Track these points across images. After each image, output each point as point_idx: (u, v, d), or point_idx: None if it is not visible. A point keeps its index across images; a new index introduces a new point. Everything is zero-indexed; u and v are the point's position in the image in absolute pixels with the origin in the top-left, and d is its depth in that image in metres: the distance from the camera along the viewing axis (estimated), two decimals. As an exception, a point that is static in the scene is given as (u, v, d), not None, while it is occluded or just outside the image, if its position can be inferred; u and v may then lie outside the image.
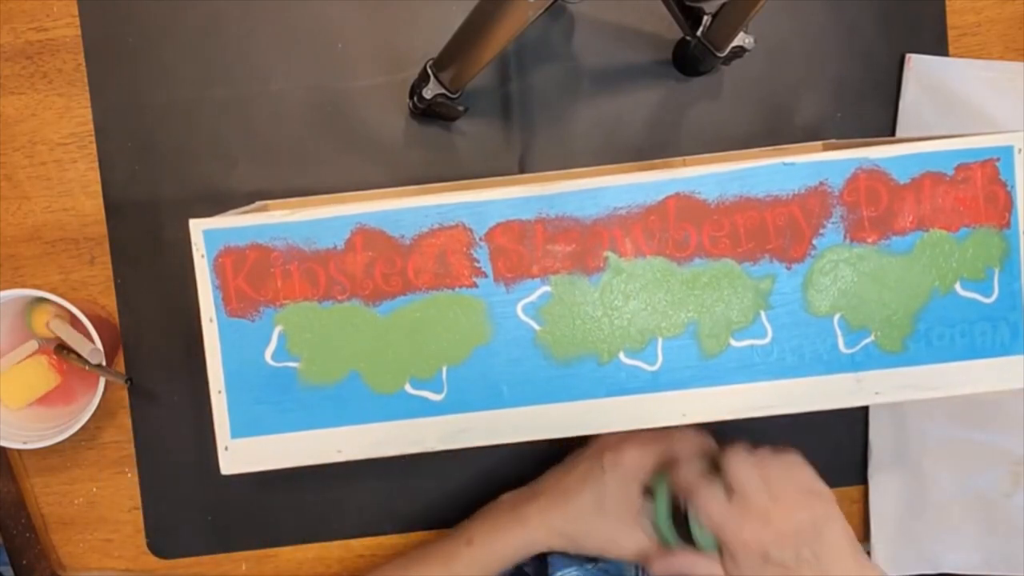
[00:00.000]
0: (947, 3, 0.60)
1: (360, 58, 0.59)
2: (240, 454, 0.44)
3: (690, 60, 0.57)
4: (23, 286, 0.60)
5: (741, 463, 0.46)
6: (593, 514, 0.50)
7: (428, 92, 0.53)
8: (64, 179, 0.59)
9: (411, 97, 0.56)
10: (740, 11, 0.49)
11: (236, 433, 0.44)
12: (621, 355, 0.44)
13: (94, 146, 0.59)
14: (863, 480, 0.61)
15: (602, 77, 0.59)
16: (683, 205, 0.44)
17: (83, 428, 0.55)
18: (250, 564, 0.61)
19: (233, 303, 0.44)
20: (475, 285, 0.44)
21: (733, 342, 0.44)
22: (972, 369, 0.45)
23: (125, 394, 0.60)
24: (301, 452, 0.44)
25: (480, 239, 0.43)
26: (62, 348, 0.56)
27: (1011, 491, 0.60)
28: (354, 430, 0.44)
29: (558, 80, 0.59)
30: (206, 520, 0.60)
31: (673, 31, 0.55)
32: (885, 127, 0.60)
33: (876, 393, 0.45)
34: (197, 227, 0.44)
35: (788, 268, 0.44)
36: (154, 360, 0.59)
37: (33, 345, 0.56)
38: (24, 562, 0.60)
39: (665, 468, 0.50)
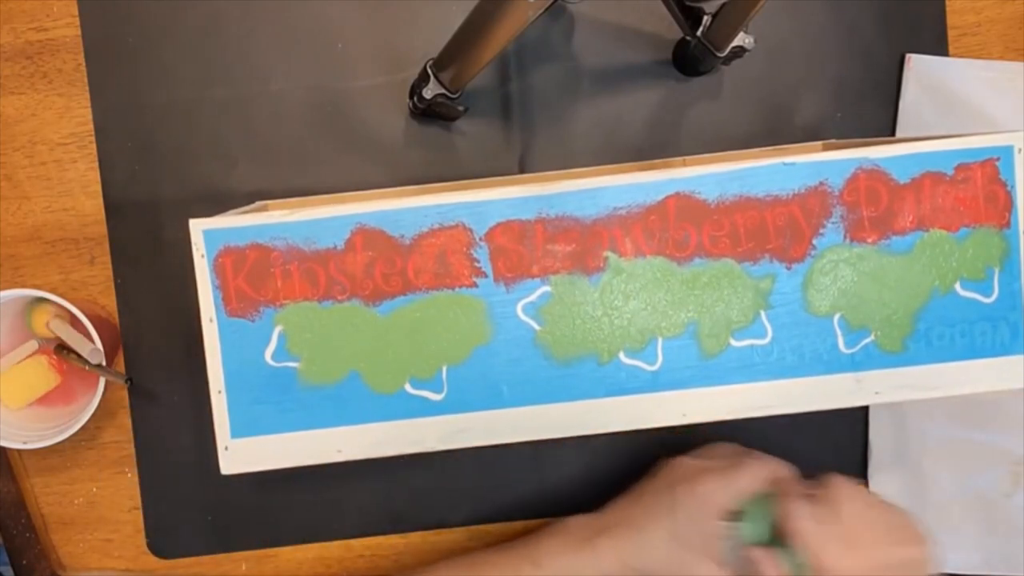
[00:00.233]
0: (947, 3, 0.59)
1: (360, 58, 0.59)
2: (240, 454, 0.44)
3: (690, 60, 0.57)
4: (23, 286, 0.59)
5: (849, 495, 0.47)
6: (666, 547, 0.50)
7: (428, 92, 0.53)
8: (64, 179, 0.59)
9: (411, 97, 0.56)
10: (740, 11, 0.49)
11: (236, 433, 0.44)
12: (621, 355, 0.44)
13: (94, 146, 0.59)
14: (863, 480, 0.61)
15: (602, 77, 0.59)
16: (683, 205, 0.44)
17: (83, 428, 0.55)
18: (250, 564, 0.61)
19: (233, 303, 0.44)
20: (475, 285, 0.44)
21: (733, 342, 0.44)
22: (972, 369, 0.45)
23: (125, 394, 0.60)
24: (301, 452, 0.44)
25: (480, 239, 0.43)
26: (62, 348, 0.56)
27: (1011, 491, 0.60)
28: (354, 430, 0.44)
29: (558, 80, 0.59)
30: (206, 520, 0.60)
31: (673, 31, 0.55)
32: (885, 127, 0.60)
33: (876, 393, 0.44)
34: (197, 227, 0.44)
35: (788, 268, 0.44)
36: (154, 360, 0.59)
37: (33, 345, 0.56)
38: (24, 562, 0.60)
39: (757, 493, 0.49)
